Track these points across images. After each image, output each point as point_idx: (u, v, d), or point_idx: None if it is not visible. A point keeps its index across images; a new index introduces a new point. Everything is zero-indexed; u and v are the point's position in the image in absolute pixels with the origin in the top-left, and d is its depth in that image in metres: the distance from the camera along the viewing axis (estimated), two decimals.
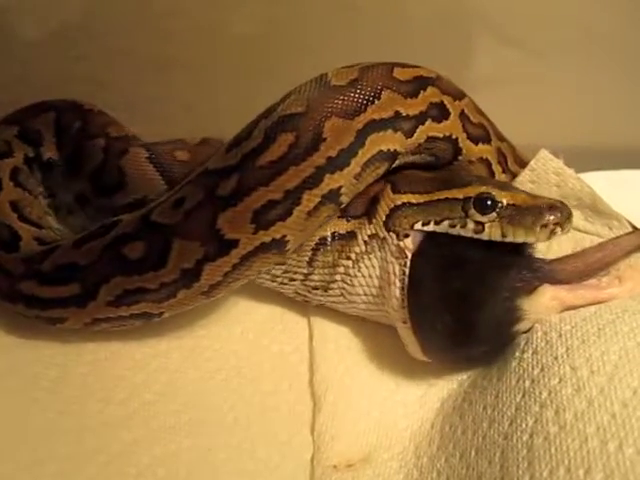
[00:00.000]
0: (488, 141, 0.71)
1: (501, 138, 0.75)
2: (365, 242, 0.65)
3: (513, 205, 0.60)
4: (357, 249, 0.66)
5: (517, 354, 0.60)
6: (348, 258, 0.66)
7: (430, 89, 0.64)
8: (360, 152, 0.59)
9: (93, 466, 0.57)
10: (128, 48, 0.85)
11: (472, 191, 0.61)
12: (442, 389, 0.66)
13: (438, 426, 0.63)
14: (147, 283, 0.59)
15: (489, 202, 0.60)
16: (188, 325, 0.65)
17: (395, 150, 0.63)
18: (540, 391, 0.54)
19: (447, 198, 0.62)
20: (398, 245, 0.63)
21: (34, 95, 0.80)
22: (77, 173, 0.71)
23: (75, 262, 0.60)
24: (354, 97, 0.59)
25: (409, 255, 0.62)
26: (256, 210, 0.56)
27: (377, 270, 0.65)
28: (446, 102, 0.66)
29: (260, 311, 0.72)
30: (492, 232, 0.61)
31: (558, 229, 0.60)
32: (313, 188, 0.58)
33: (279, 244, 0.59)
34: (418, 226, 0.62)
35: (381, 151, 0.61)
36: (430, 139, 0.66)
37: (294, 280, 0.68)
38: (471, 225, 0.61)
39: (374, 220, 0.64)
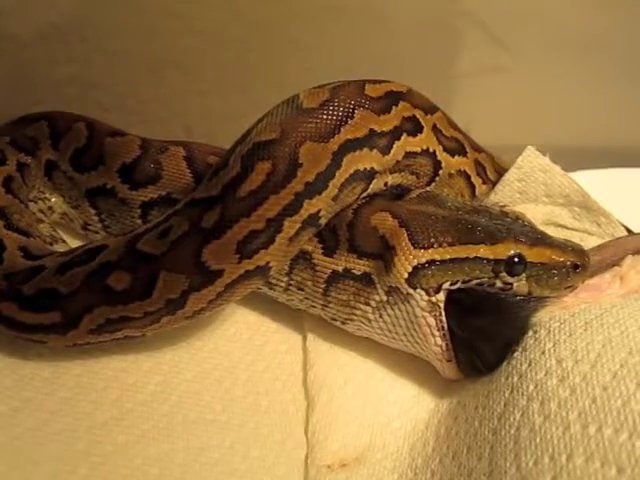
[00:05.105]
0: (464, 154, 0.72)
1: (477, 149, 0.75)
2: (386, 292, 0.61)
3: (540, 263, 0.60)
4: (377, 297, 0.62)
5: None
6: (367, 304, 0.63)
7: (402, 104, 0.64)
8: (337, 174, 0.59)
9: (86, 467, 0.57)
10: (120, 49, 0.85)
11: (503, 252, 0.60)
12: (436, 389, 0.66)
13: (433, 428, 0.63)
14: (131, 312, 0.59)
15: (519, 264, 0.60)
16: (181, 326, 0.65)
17: (372, 168, 0.62)
18: (527, 385, 0.54)
19: (476, 257, 0.60)
20: (429, 300, 0.60)
21: (26, 96, 0.80)
22: (94, 168, 0.71)
23: (57, 289, 0.60)
24: (327, 119, 0.58)
25: (442, 306, 0.61)
26: (240, 241, 0.57)
27: (402, 321, 0.62)
28: (418, 116, 0.66)
29: (254, 311, 0.72)
30: (519, 290, 0.61)
31: (580, 284, 0.62)
32: (293, 215, 0.58)
33: (263, 270, 0.60)
34: (446, 286, 0.60)
35: (358, 170, 0.61)
36: (408, 155, 0.65)
37: (315, 307, 0.68)
38: (499, 284, 0.61)
39: (392, 274, 0.60)
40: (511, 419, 0.53)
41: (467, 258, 0.60)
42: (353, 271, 0.63)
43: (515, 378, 0.56)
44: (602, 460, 0.46)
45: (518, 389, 0.55)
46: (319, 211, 0.60)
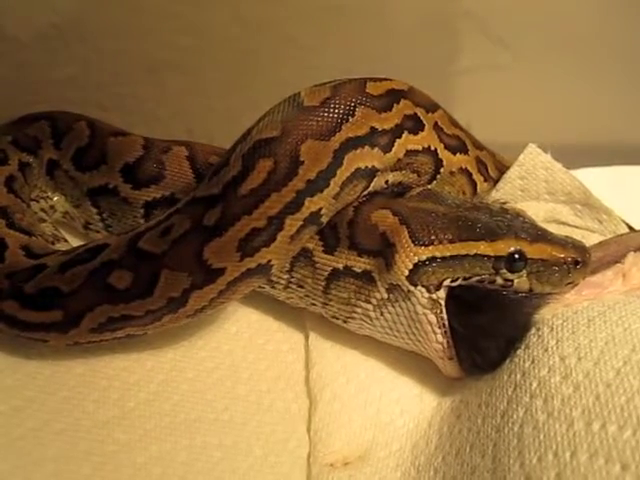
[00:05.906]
0: (465, 151, 0.72)
1: (479, 147, 0.75)
2: (387, 290, 0.61)
3: (541, 260, 0.60)
4: (378, 295, 0.62)
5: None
6: (368, 302, 0.63)
7: (403, 102, 0.64)
8: (338, 172, 0.59)
9: (89, 466, 0.57)
10: (120, 49, 0.85)
11: (503, 248, 0.59)
12: (438, 387, 0.66)
13: (436, 426, 0.63)
14: (133, 311, 0.59)
15: (520, 260, 0.60)
16: (183, 324, 0.65)
17: (373, 166, 0.62)
18: (530, 382, 0.54)
19: (477, 254, 0.60)
20: (430, 298, 0.60)
21: (26, 96, 0.80)
22: (96, 167, 0.72)
23: (58, 288, 0.60)
24: (328, 117, 0.58)
25: (443, 303, 0.60)
26: (241, 239, 0.57)
27: (403, 319, 0.62)
28: (419, 114, 0.66)
29: (255, 310, 0.72)
30: (520, 287, 0.61)
31: (581, 280, 0.61)
32: (295, 213, 0.58)
33: (264, 269, 0.60)
34: (447, 283, 0.60)
35: (359, 169, 0.61)
36: (410, 153, 0.65)
37: (315, 305, 0.68)
38: (500, 281, 0.61)
39: (393, 271, 0.60)
40: (514, 416, 0.53)
41: (467, 255, 0.60)
42: (354, 269, 0.63)
43: (518, 375, 0.56)
44: (606, 457, 0.46)
45: (521, 386, 0.55)
46: (320, 209, 0.60)
